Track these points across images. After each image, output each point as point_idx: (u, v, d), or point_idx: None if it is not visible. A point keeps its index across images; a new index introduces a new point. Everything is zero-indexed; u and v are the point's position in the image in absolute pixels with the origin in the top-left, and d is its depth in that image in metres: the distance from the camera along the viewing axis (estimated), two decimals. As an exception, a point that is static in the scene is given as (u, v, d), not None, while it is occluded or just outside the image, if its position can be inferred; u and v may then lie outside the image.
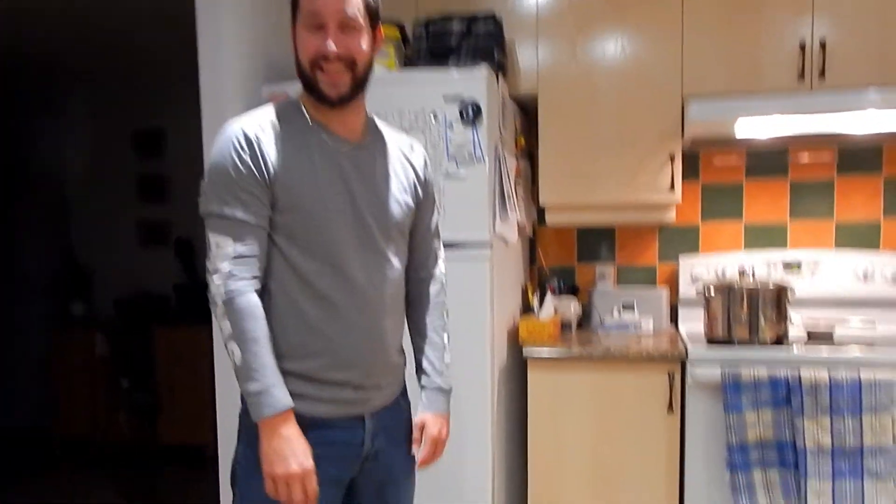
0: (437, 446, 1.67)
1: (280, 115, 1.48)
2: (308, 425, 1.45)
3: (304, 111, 1.50)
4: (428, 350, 1.69)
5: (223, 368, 2.50)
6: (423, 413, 1.67)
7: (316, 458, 1.44)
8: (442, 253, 1.77)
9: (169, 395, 4.58)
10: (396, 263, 1.58)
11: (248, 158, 1.40)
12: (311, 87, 1.47)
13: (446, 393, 1.69)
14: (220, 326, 1.42)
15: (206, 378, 2.64)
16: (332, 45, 1.42)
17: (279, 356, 1.43)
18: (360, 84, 1.48)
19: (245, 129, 1.43)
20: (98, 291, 5.27)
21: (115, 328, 4.86)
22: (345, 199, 1.48)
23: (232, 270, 1.40)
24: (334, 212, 1.46)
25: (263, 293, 1.44)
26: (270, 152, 1.42)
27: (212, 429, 2.63)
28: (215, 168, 1.43)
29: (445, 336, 1.71)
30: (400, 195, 1.57)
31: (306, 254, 1.45)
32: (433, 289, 1.72)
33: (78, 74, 5.08)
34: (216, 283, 1.40)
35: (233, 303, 1.39)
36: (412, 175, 1.62)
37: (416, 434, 1.66)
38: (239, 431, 1.53)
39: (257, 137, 1.42)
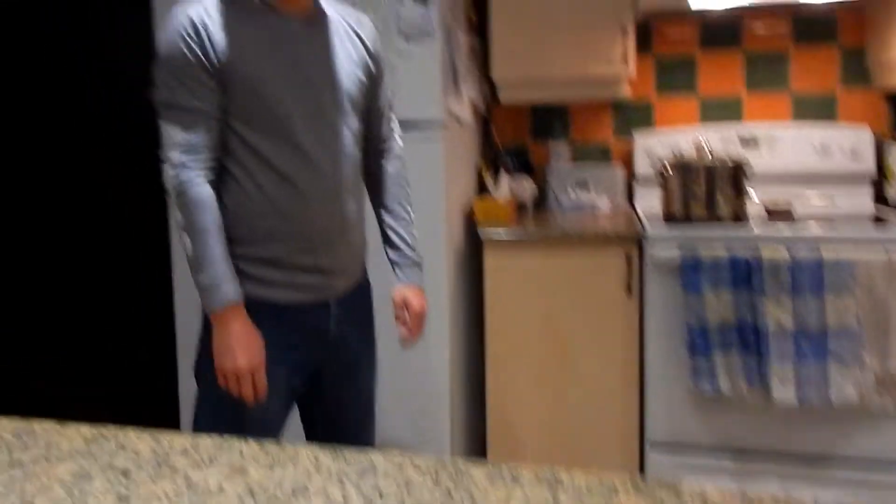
0: (421, 320, 1.71)
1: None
2: (276, 312, 1.49)
3: None
4: (395, 223, 1.72)
5: (179, 256, 2.43)
6: (402, 288, 1.70)
7: (284, 344, 1.49)
8: (397, 127, 1.78)
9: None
10: (352, 139, 1.57)
11: (195, 46, 1.40)
12: None
13: (420, 265, 1.73)
14: (174, 216, 1.46)
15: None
16: None
17: (244, 242, 1.47)
18: None
19: (192, 15, 1.41)
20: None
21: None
22: (296, 76, 1.48)
23: (183, 161, 1.42)
24: (286, 89, 1.46)
25: (226, 178, 1.47)
26: (218, 37, 1.41)
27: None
28: (164, 57, 1.44)
29: (410, 209, 1.75)
30: (351, 69, 1.56)
31: (263, 134, 1.45)
32: (393, 163, 1.75)
33: None
34: (168, 173, 1.43)
35: (184, 195, 1.42)
36: (362, 49, 1.60)
37: (398, 312, 1.70)
38: (203, 325, 1.54)
39: (204, 23, 1.40)
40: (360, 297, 1.67)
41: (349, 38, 1.58)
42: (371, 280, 1.74)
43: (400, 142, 1.77)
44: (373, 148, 1.71)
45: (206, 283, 1.41)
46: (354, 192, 1.59)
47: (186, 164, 1.41)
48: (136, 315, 3.67)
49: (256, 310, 1.47)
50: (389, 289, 1.71)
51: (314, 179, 1.49)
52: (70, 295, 3.85)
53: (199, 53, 1.39)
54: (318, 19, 1.54)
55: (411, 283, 1.70)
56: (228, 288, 1.42)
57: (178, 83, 1.41)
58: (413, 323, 1.69)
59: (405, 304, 1.68)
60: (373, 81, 1.63)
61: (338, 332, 1.59)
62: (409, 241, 1.72)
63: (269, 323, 1.48)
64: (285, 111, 1.45)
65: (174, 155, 1.42)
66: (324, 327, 1.56)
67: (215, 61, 1.40)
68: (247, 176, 1.46)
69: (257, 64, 1.44)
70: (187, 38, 1.39)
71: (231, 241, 1.46)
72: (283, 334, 1.50)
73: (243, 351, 1.41)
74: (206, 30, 1.40)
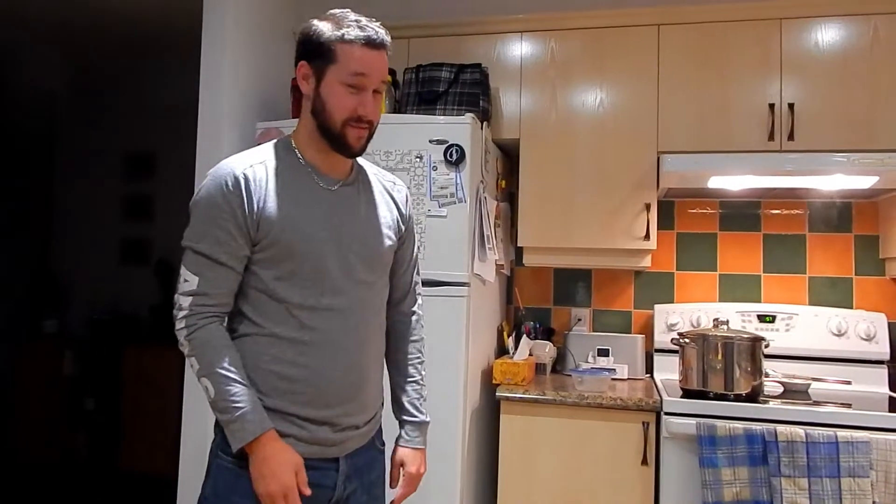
0: (416, 482, 1.68)
1: (273, 154, 1.52)
2: None
3: (297, 151, 1.54)
4: (407, 385, 1.70)
5: (192, 397, 2.48)
6: (401, 449, 1.67)
7: None
8: (420, 289, 1.79)
9: (135, 421, 4.49)
10: (379, 298, 1.60)
11: (233, 199, 1.43)
12: (335, 138, 1.50)
13: (424, 427, 1.70)
14: (190, 364, 1.44)
15: (176, 405, 2.62)
16: (371, 111, 1.49)
17: (258, 393, 1.44)
18: (371, 139, 1.54)
19: (236, 170, 1.46)
20: (74, 308, 5.21)
21: (87, 347, 4.79)
22: (330, 233, 1.49)
23: (195, 310, 1.43)
24: (319, 245, 1.47)
25: (244, 324, 1.48)
26: (259, 190, 1.45)
27: (176, 459, 2.58)
28: (200, 203, 1.46)
29: (423, 370, 1.74)
30: (384, 229, 1.60)
31: (290, 287, 1.46)
32: (413, 324, 1.74)
33: (77, 90, 5.16)
34: (178, 324, 1.45)
35: (195, 339, 1.42)
36: (395, 210, 1.65)
37: (394, 472, 1.66)
38: (208, 466, 1.50)
39: (246, 177, 1.45)
40: (371, 455, 1.62)
41: (384, 199, 1.63)
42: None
43: (421, 301, 1.78)
44: (395, 306, 1.71)
45: (232, 419, 1.38)
46: (376, 349, 1.59)
47: (196, 312, 1.43)
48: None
49: None
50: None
51: (337, 334, 1.48)
52: None
53: (235, 207, 1.43)
54: (356, 181, 1.59)
55: (412, 445, 1.67)
56: (255, 418, 1.39)
57: (208, 232, 1.43)
58: (405, 486, 1.66)
59: (402, 465, 1.66)
60: (402, 241, 1.68)
61: (344, 491, 1.53)
62: (418, 403, 1.69)
63: None
64: (315, 265, 1.46)
65: (185, 302, 1.43)
66: (330, 484, 1.50)
67: (251, 215, 1.43)
68: (267, 324, 1.46)
69: (294, 218, 1.46)
70: (227, 191, 1.43)
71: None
72: None
73: (274, 476, 1.38)
74: (247, 184, 1.44)
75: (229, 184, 1.44)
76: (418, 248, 1.81)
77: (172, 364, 4.26)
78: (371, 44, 1.46)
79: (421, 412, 1.69)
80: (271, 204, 1.45)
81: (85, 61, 4.93)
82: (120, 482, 4.45)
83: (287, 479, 1.39)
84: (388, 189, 1.67)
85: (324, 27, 1.48)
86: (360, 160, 1.64)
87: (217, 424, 1.47)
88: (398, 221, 1.66)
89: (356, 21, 1.48)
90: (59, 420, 4.69)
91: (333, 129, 1.48)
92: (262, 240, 1.45)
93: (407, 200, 1.71)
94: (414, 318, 1.75)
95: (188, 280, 1.44)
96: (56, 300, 5.19)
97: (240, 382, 1.40)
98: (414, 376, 1.71)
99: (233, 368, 1.41)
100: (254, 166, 1.47)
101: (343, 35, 1.46)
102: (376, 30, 1.48)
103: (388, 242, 1.61)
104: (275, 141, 1.57)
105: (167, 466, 4.07)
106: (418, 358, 1.73)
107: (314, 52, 1.48)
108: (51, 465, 4.61)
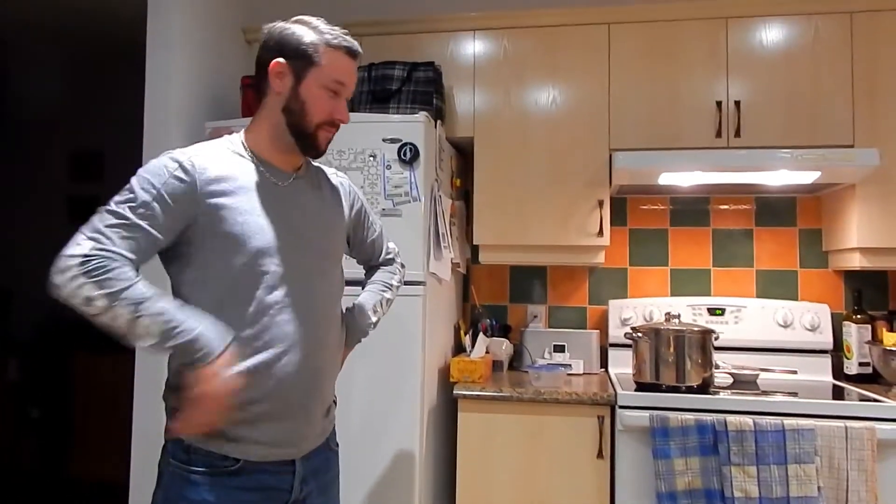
0: None
1: (222, 148, 1.51)
2: (235, 470, 1.40)
3: (245, 146, 1.53)
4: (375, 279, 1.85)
5: (142, 402, 2.43)
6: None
7: None
8: (392, 244, 1.92)
9: (84, 428, 4.39)
10: (335, 289, 1.61)
11: (178, 184, 1.39)
12: (305, 138, 1.51)
13: (363, 333, 1.77)
14: (79, 296, 1.28)
15: (126, 411, 2.57)
16: (345, 116, 1.53)
17: None
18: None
19: (180, 158, 1.42)
20: (16, 314, 5.07)
21: (31, 353, 4.66)
22: (284, 227, 1.48)
23: (105, 238, 1.32)
24: (270, 237, 1.45)
25: None
26: (207, 184, 1.41)
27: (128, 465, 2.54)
28: (140, 178, 1.39)
29: (396, 280, 1.87)
30: (335, 218, 1.64)
31: (239, 282, 1.41)
32: (386, 261, 1.89)
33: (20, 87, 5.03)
34: (84, 244, 1.31)
35: (109, 270, 1.30)
36: (340, 197, 1.69)
37: None
38: (159, 474, 1.46)
39: (193, 165, 1.42)
40: (326, 457, 1.60)
41: (330, 188, 1.67)
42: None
43: (399, 260, 1.92)
44: (367, 264, 1.88)
45: (191, 338, 1.30)
46: (332, 347, 1.57)
47: (97, 254, 1.30)
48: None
49: (210, 466, 1.39)
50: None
51: (293, 328, 1.45)
52: None
53: (178, 194, 1.38)
54: (308, 173, 1.61)
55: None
56: (214, 333, 1.34)
57: (142, 205, 1.35)
58: None
59: None
60: (354, 225, 1.75)
61: (301, 492, 1.50)
62: (379, 293, 1.81)
63: (227, 480, 1.40)
64: (266, 259, 1.43)
65: (104, 237, 1.32)
66: (286, 486, 1.48)
67: (195, 205, 1.39)
68: (221, 321, 1.39)
69: (246, 214, 1.43)
70: (172, 177, 1.39)
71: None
72: (241, 493, 1.41)
73: (210, 388, 1.30)
74: (195, 174, 1.40)
75: (176, 169, 1.40)
76: (381, 226, 1.87)
77: (122, 368, 4.17)
78: (352, 54, 1.51)
79: (371, 323, 1.77)
80: (221, 201, 1.42)
81: (28, 58, 4.79)
82: (70, 490, 4.34)
83: (220, 403, 1.33)
84: (331, 179, 1.70)
85: (302, 30, 1.49)
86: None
87: (167, 430, 1.43)
88: (347, 208, 1.71)
89: (332, 29, 1.51)
90: (4, 428, 4.56)
91: (307, 129, 1.50)
92: (208, 227, 1.40)
93: (350, 188, 1.76)
94: (389, 258, 1.90)
95: (107, 232, 1.33)
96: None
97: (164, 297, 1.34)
98: (385, 276, 1.86)
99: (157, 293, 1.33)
100: (200, 156, 1.44)
101: (329, 41, 1.49)
102: (352, 41, 1.52)
103: (340, 231, 1.65)
104: (224, 137, 1.56)
105: (119, 473, 4.02)
106: (391, 274, 1.87)
107: (294, 52, 1.48)
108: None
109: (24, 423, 4.59)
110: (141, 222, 1.35)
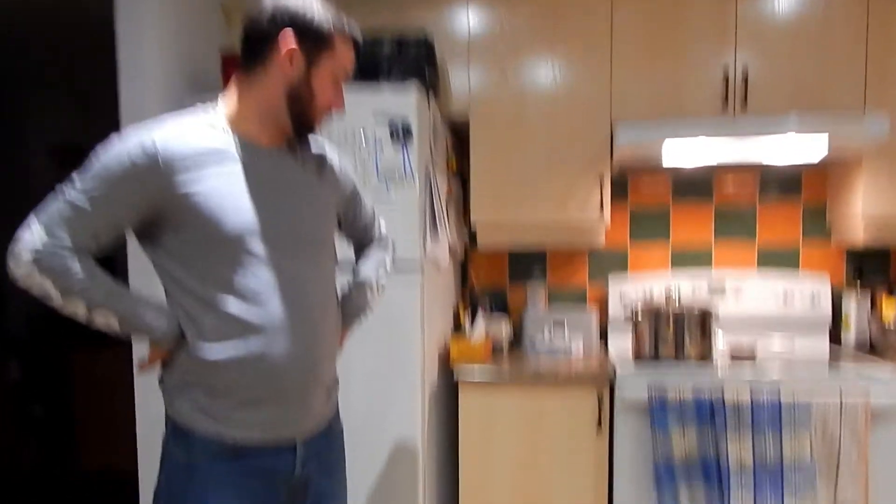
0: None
1: (202, 123, 1.40)
2: (234, 453, 1.38)
3: (226, 121, 1.42)
4: (367, 259, 1.76)
5: (143, 391, 2.41)
6: None
7: (243, 488, 1.38)
8: (382, 224, 1.83)
9: (88, 420, 4.38)
10: (328, 269, 1.53)
11: (139, 166, 1.31)
12: (305, 122, 1.44)
13: (363, 311, 1.72)
14: (35, 291, 1.31)
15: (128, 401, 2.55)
16: (344, 105, 1.48)
17: (200, 373, 1.36)
18: None
19: (143, 138, 1.33)
20: (12, 313, 5.04)
21: (30, 351, 4.64)
22: (268, 206, 1.40)
23: (57, 228, 1.30)
24: (256, 219, 1.37)
25: (179, 311, 1.37)
26: (173, 162, 1.32)
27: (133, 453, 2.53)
28: (99, 159, 1.33)
29: (389, 259, 1.80)
30: (324, 195, 1.55)
31: (227, 265, 1.35)
32: (377, 241, 1.80)
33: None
34: (31, 237, 1.30)
35: (66, 259, 1.30)
36: (329, 172, 1.59)
37: None
38: (162, 459, 1.44)
39: (166, 147, 1.33)
40: (330, 440, 1.56)
41: (316, 161, 1.55)
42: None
43: (384, 227, 1.84)
44: (358, 244, 1.79)
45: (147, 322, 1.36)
46: (328, 328, 1.51)
47: (65, 246, 1.30)
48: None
49: (212, 449, 1.37)
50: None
51: (284, 311, 1.39)
52: None
53: (140, 180, 1.31)
54: (292, 146, 1.50)
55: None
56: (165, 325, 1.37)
57: (95, 188, 1.30)
58: None
59: None
60: (345, 200, 1.65)
61: (302, 474, 1.47)
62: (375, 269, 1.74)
63: (227, 465, 1.38)
64: (253, 241, 1.36)
65: (56, 229, 1.30)
66: (287, 468, 1.45)
67: (167, 189, 1.32)
68: (206, 309, 1.35)
69: (225, 195, 1.35)
70: (133, 153, 1.31)
71: (186, 371, 1.37)
72: (241, 477, 1.38)
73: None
74: (156, 147, 1.31)
75: (140, 154, 1.31)
76: (372, 204, 1.79)
77: (121, 360, 4.15)
78: (356, 44, 1.46)
79: (365, 308, 1.72)
80: (196, 183, 1.33)
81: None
82: (79, 484, 4.34)
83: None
84: (320, 154, 1.58)
85: (313, 9, 1.39)
86: None
87: (168, 417, 1.42)
88: (336, 181, 1.60)
89: (336, 13, 1.42)
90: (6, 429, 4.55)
91: (310, 114, 1.43)
92: (187, 216, 1.33)
93: (340, 162, 1.64)
94: (379, 238, 1.81)
95: (62, 218, 1.30)
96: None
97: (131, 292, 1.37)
98: (377, 257, 1.78)
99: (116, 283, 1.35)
100: (168, 134, 1.35)
101: (343, 28, 1.42)
102: (354, 26, 1.46)
103: (330, 210, 1.57)
104: (200, 108, 1.46)
105: (127, 464, 4.01)
106: (383, 254, 1.79)
107: (308, 33, 1.38)
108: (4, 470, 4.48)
109: (26, 421, 4.59)
110: (96, 209, 1.31)
